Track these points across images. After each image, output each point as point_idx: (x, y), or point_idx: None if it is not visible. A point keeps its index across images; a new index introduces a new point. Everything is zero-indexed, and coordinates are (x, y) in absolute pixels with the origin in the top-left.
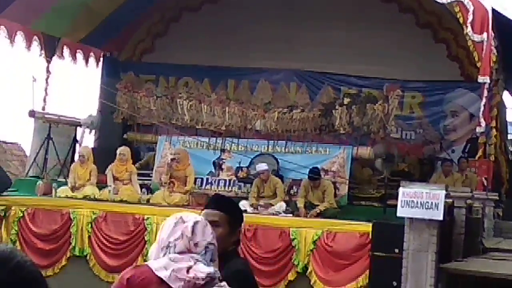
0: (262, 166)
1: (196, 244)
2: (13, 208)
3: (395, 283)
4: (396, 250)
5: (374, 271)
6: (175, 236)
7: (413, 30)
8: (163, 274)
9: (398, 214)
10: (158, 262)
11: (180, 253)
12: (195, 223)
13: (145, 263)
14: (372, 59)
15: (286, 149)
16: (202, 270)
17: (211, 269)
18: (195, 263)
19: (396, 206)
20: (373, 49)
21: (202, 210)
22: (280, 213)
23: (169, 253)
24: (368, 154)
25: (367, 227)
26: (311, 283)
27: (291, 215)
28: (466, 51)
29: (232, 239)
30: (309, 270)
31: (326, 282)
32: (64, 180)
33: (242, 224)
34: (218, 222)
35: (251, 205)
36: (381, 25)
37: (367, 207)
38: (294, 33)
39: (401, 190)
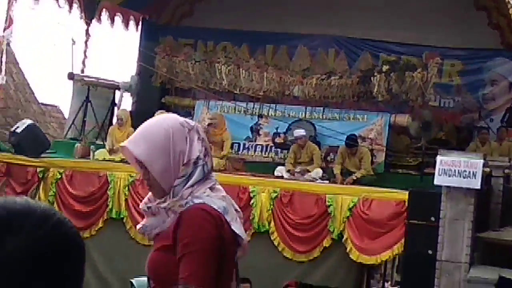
0: (299, 132)
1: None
2: (51, 170)
3: (430, 252)
4: (433, 219)
5: (409, 239)
6: (199, 149)
7: None
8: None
9: (436, 183)
10: (210, 198)
11: (209, 171)
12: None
13: (196, 199)
14: (411, 26)
15: (324, 116)
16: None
17: None
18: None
19: (433, 174)
20: (413, 15)
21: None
22: (317, 180)
23: (201, 172)
24: (406, 121)
25: (403, 195)
26: (347, 251)
27: (327, 181)
28: (507, 19)
29: None
30: (344, 237)
31: (362, 250)
32: (102, 143)
33: None
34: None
35: (288, 171)
36: None
37: (404, 175)
38: None
39: (438, 158)
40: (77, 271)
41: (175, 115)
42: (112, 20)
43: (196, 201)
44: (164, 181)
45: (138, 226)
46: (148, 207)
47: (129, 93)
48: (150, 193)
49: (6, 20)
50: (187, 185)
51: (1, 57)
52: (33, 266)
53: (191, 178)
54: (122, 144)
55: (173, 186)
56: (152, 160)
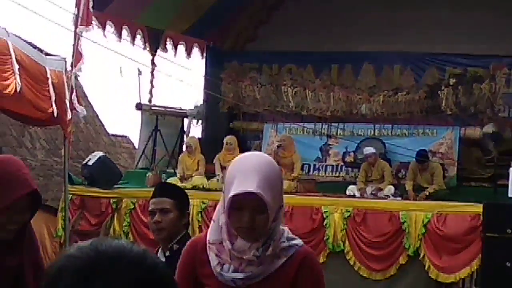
0: (369, 150)
1: None
2: (124, 200)
3: (508, 264)
4: (509, 231)
5: (486, 252)
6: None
7: None
8: None
9: (510, 194)
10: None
11: None
12: None
13: None
14: (476, 37)
15: (393, 132)
16: None
17: None
18: None
19: (507, 186)
20: (477, 27)
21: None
22: (389, 197)
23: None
24: (477, 134)
25: (478, 208)
26: (426, 269)
27: (400, 198)
28: None
29: (182, 222)
30: (421, 254)
31: (440, 268)
32: (172, 171)
33: (189, 207)
34: (167, 208)
35: (359, 189)
36: (485, 2)
37: (477, 188)
38: (396, 14)
39: (511, 169)
40: None
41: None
42: (177, 49)
43: (295, 242)
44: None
45: (240, 276)
46: (257, 256)
47: (197, 120)
48: (226, 237)
49: (73, 55)
50: (279, 227)
51: (71, 92)
52: None
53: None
54: (249, 189)
55: (271, 229)
56: (274, 204)
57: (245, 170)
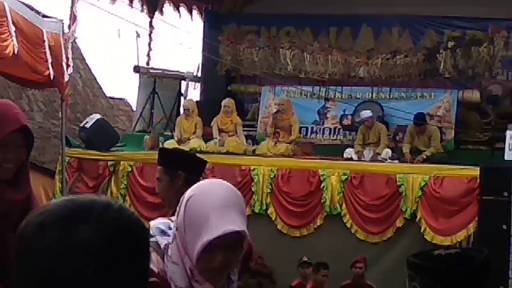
0: (366, 113)
1: None
2: (122, 163)
3: (505, 227)
4: (505, 194)
5: (483, 215)
6: None
7: None
8: None
9: (506, 157)
10: None
11: None
12: None
13: None
14: (475, 0)
15: (390, 95)
16: None
17: None
18: None
19: (504, 149)
20: None
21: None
22: (386, 160)
23: None
24: (475, 97)
25: (475, 171)
26: (421, 231)
27: (397, 161)
28: None
29: (177, 185)
30: (418, 217)
31: (436, 230)
32: (170, 133)
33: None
34: (158, 177)
35: (357, 152)
36: None
37: (474, 151)
38: None
39: (508, 133)
40: (145, 249)
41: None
42: (176, 11)
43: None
44: None
45: None
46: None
47: (195, 83)
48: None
49: (70, 17)
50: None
51: (68, 53)
52: (107, 247)
53: None
54: (235, 228)
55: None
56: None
57: (219, 207)
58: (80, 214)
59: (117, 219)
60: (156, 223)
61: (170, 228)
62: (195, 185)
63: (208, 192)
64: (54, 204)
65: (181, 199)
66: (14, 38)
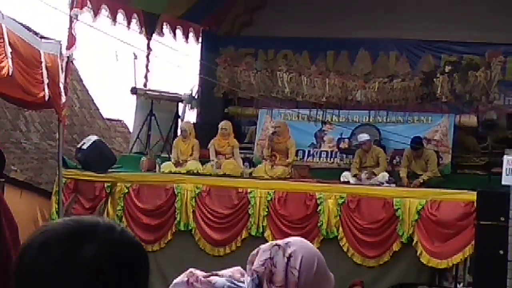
0: (363, 137)
1: None
2: (118, 184)
3: (501, 252)
4: (502, 219)
5: (479, 240)
6: None
7: None
8: None
9: (503, 182)
10: None
11: None
12: None
13: None
14: (472, 25)
15: (388, 119)
16: None
17: None
18: None
19: (501, 173)
20: (473, 14)
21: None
22: (383, 183)
23: None
24: (472, 122)
25: (471, 195)
26: (417, 254)
27: (394, 185)
28: None
29: None
30: (414, 241)
31: (433, 253)
32: (167, 155)
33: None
34: None
35: (354, 176)
36: None
37: (471, 176)
38: (392, 2)
39: (505, 158)
40: (146, 272)
41: None
42: (173, 34)
43: None
44: None
45: None
46: None
47: (192, 105)
48: None
49: (68, 38)
50: None
51: (65, 75)
52: (110, 267)
53: None
54: None
55: None
56: None
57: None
58: (85, 234)
59: (119, 241)
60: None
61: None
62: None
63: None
64: (58, 224)
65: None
66: (9, 59)
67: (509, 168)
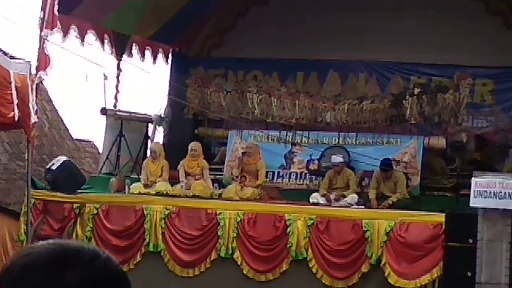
0: (337, 158)
1: None
2: (87, 205)
3: (469, 274)
4: (470, 241)
5: (448, 261)
6: None
7: (484, 18)
8: None
9: (471, 205)
10: None
11: None
12: None
13: None
14: (441, 48)
15: (357, 141)
16: None
17: None
18: None
19: (469, 195)
20: (443, 37)
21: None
22: (352, 205)
23: None
24: (440, 144)
25: (440, 217)
26: (385, 275)
27: (363, 207)
28: None
29: None
30: (382, 262)
31: (400, 274)
32: (137, 176)
33: None
34: None
35: (323, 196)
36: (450, 13)
37: (439, 197)
38: (362, 24)
39: (473, 180)
40: None
41: None
42: (143, 54)
43: None
44: None
45: None
46: None
47: (162, 126)
48: None
49: (38, 59)
50: None
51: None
52: None
53: None
54: None
55: None
56: None
57: None
58: (68, 259)
59: (103, 269)
60: None
61: None
62: None
63: None
64: (43, 247)
65: None
66: None
67: (477, 190)
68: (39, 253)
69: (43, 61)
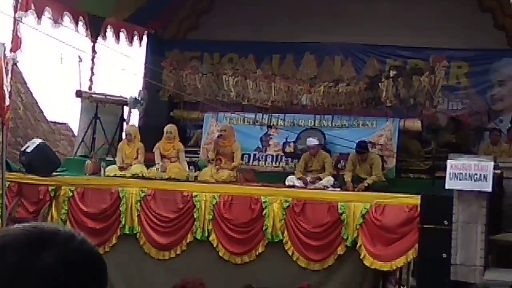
0: (312, 141)
1: None
2: (63, 188)
3: (444, 255)
4: (446, 222)
5: (423, 243)
6: None
7: (458, 0)
8: None
9: (447, 187)
10: None
11: None
12: None
13: None
14: (417, 30)
15: (333, 123)
16: None
17: None
18: None
19: (444, 177)
20: (418, 20)
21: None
22: (328, 187)
23: None
24: (416, 126)
25: (415, 199)
26: (361, 257)
27: (339, 189)
28: None
29: None
30: (358, 244)
31: (376, 256)
32: (112, 159)
33: None
34: None
35: (299, 178)
36: None
37: (415, 180)
38: (338, 7)
39: (449, 162)
40: (104, 283)
41: None
42: (118, 36)
43: None
44: None
45: None
46: None
47: (135, 109)
48: None
49: (12, 41)
50: None
51: (9, 78)
52: (67, 276)
53: None
54: None
55: None
56: None
57: None
58: (44, 241)
59: (79, 250)
60: None
61: None
62: None
63: None
64: (18, 229)
65: None
66: None
67: (453, 172)
68: (15, 235)
69: (17, 43)
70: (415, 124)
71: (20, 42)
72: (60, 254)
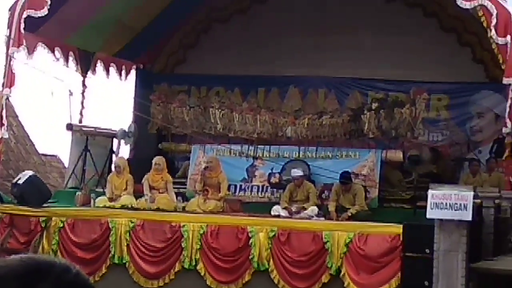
0: (297, 172)
1: None
2: (53, 219)
3: (427, 283)
4: (427, 251)
5: (406, 271)
6: None
7: (438, 34)
8: None
9: (428, 216)
10: None
11: None
12: None
13: None
14: (398, 64)
15: (317, 155)
16: None
17: None
18: None
19: (426, 207)
20: (399, 53)
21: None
22: (313, 217)
23: None
24: (398, 157)
25: (398, 229)
26: (345, 286)
27: (323, 218)
28: (491, 53)
29: None
30: (342, 272)
31: (359, 284)
32: (102, 190)
33: None
34: None
35: (284, 208)
36: (406, 30)
37: (397, 209)
38: (321, 41)
39: (430, 192)
40: None
41: None
42: (107, 71)
43: None
44: None
45: None
46: None
47: (126, 141)
48: None
49: (4, 75)
50: None
51: (2, 111)
52: None
53: None
54: None
55: None
56: None
57: None
58: (40, 272)
59: (74, 283)
60: None
61: None
62: None
63: None
64: (15, 260)
65: None
66: None
67: (434, 202)
68: (12, 266)
69: (10, 79)
70: (396, 155)
71: (14, 78)
72: (56, 286)
